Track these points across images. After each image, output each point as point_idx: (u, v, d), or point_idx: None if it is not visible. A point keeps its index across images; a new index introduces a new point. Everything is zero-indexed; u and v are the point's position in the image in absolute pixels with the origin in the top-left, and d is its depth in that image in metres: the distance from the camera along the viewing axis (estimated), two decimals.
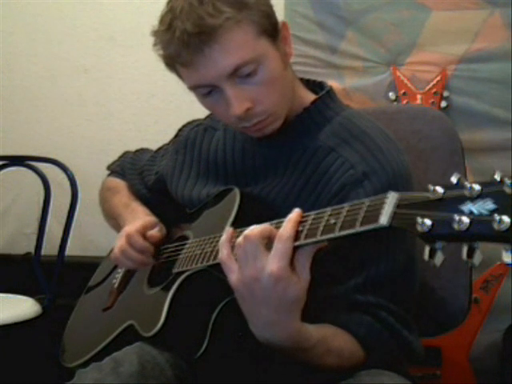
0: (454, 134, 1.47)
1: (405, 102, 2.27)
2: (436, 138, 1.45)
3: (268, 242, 1.03)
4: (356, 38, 2.36)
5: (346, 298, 1.16)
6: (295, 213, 1.03)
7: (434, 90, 2.26)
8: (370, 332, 1.15)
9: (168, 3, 1.20)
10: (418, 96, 2.27)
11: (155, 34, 1.19)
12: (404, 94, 2.28)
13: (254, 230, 1.03)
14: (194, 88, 1.22)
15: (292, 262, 1.02)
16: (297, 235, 1.02)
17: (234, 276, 1.04)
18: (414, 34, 2.30)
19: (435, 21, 2.28)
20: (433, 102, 2.26)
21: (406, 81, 2.29)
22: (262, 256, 1.01)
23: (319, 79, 1.38)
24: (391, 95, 2.30)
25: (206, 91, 1.20)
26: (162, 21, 1.18)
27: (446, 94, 2.26)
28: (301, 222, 1.02)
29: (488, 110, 2.25)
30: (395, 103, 2.27)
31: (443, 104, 2.25)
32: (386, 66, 2.34)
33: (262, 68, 1.17)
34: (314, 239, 0.99)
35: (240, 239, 1.03)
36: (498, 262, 2.15)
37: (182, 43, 1.14)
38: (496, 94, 2.24)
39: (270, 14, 1.20)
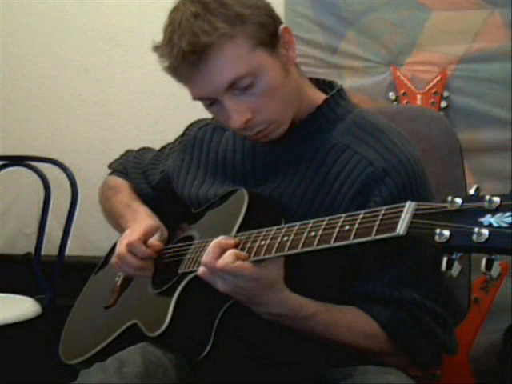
0: (452, 134, 1.47)
1: (405, 102, 2.27)
2: (435, 139, 1.45)
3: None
4: (356, 38, 2.36)
5: (382, 295, 1.18)
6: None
7: (434, 89, 2.26)
8: (401, 328, 1.17)
9: (170, 14, 1.21)
10: (418, 96, 2.27)
11: (157, 49, 1.21)
12: (404, 94, 2.28)
13: (208, 258, 1.10)
14: (196, 99, 1.23)
15: None
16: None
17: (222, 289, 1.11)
18: (414, 34, 2.30)
19: (435, 21, 2.28)
20: (433, 102, 2.25)
21: (405, 81, 2.29)
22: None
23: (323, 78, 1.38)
24: (391, 95, 2.30)
25: (208, 103, 1.22)
26: (164, 33, 1.20)
27: (446, 94, 2.26)
28: (313, 228, 1.04)
29: (488, 110, 2.24)
30: (395, 103, 2.27)
31: (443, 104, 2.25)
32: (386, 66, 2.34)
33: (259, 79, 1.18)
34: (327, 245, 1.00)
35: (204, 271, 1.12)
36: None
37: (179, 60, 1.16)
38: (496, 94, 2.24)
39: (267, 24, 1.20)
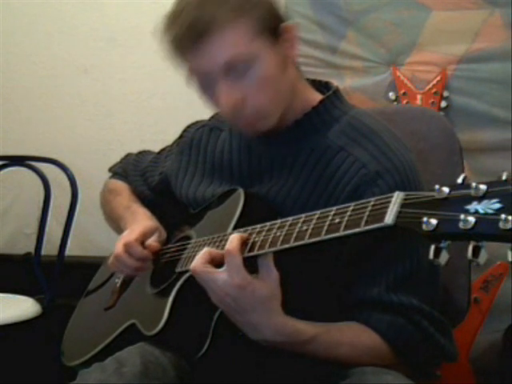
0: (452, 134, 1.47)
1: (405, 102, 2.27)
2: (434, 139, 1.45)
3: (214, 258, 1.10)
4: (356, 38, 2.36)
5: (380, 299, 1.17)
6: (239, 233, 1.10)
7: (434, 89, 2.26)
8: (401, 334, 1.16)
9: None
10: (418, 96, 2.27)
11: (164, 18, 1.22)
12: (404, 94, 2.28)
13: (196, 262, 1.09)
14: (191, 77, 1.24)
15: (256, 266, 1.07)
16: (270, 242, 1.06)
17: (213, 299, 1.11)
18: (414, 34, 2.30)
19: (435, 21, 2.28)
20: (433, 102, 2.26)
21: (406, 81, 2.29)
22: (217, 275, 1.07)
23: (319, 79, 1.38)
24: (391, 95, 2.30)
25: (202, 83, 1.23)
26: (172, 6, 1.21)
27: (445, 94, 2.26)
28: (305, 222, 1.04)
29: (488, 110, 2.25)
30: (395, 103, 2.27)
31: (443, 104, 2.25)
32: (386, 65, 2.34)
33: (255, 67, 1.18)
34: (318, 238, 1.00)
35: (194, 275, 1.11)
36: (498, 262, 2.16)
37: (182, 33, 1.17)
38: (496, 94, 2.24)
39: (272, 16, 1.22)
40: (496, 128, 2.24)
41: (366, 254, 1.17)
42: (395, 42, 2.32)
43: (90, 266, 1.65)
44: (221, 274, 1.07)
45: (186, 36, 1.17)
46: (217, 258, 1.10)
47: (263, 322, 1.08)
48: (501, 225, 0.79)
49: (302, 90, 1.30)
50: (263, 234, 1.08)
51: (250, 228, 1.11)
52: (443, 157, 1.44)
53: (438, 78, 2.27)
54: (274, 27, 1.21)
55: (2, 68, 2.84)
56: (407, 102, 2.26)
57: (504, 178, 0.83)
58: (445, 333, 1.20)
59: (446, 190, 0.87)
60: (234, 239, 1.07)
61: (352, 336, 1.16)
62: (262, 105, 1.21)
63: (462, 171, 1.44)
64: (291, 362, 1.16)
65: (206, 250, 1.11)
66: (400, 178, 1.19)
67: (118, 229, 1.49)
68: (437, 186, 0.87)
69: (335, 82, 1.37)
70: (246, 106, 1.20)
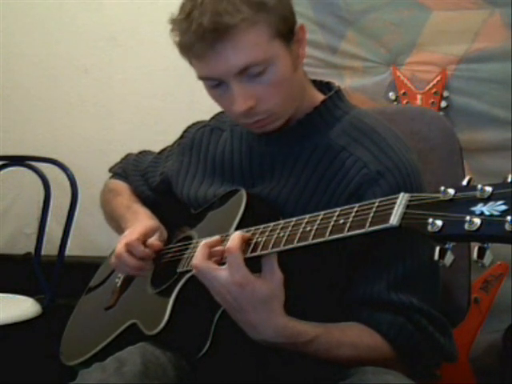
0: (452, 134, 1.47)
1: (405, 102, 2.27)
2: (435, 139, 1.45)
3: (215, 254, 1.10)
4: (356, 38, 2.36)
5: (380, 298, 1.17)
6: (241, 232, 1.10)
7: (434, 89, 2.26)
8: (401, 333, 1.16)
9: None
10: (418, 96, 2.27)
11: (173, 21, 1.21)
12: (404, 94, 2.28)
13: (197, 257, 1.10)
14: (203, 79, 1.23)
15: (260, 267, 1.07)
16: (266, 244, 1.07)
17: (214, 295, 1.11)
18: (414, 34, 2.30)
19: (435, 21, 2.28)
20: (433, 102, 2.26)
21: (406, 81, 2.29)
22: (219, 272, 1.08)
23: (320, 79, 1.38)
24: (391, 95, 2.30)
25: (214, 84, 1.22)
26: (182, 8, 1.20)
27: (445, 94, 2.26)
28: (309, 222, 1.04)
29: (488, 110, 2.25)
30: (395, 103, 2.27)
31: (443, 104, 2.25)
32: (386, 65, 2.34)
33: (271, 69, 1.18)
34: (322, 239, 1.00)
35: (194, 271, 1.11)
36: (498, 262, 2.16)
37: (197, 36, 1.15)
38: (496, 94, 2.24)
39: (287, 17, 1.21)
40: (496, 128, 2.24)
41: (367, 253, 1.17)
42: (395, 42, 2.32)
43: (89, 266, 1.65)
44: (222, 272, 1.07)
45: (201, 42, 1.15)
46: (217, 256, 1.10)
47: (263, 322, 1.08)
48: (507, 226, 0.80)
49: (307, 89, 1.31)
50: (266, 234, 1.08)
51: (253, 228, 1.11)
52: (443, 157, 1.44)
53: (438, 78, 2.27)
54: (288, 28, 1.21)
55: (2, 68, 2.84)
56: (407, 102, 2.26)
57: (509, 179, 0.83)
58: (444, 333, 1.20)
59: (451, 191, 0.87)
60: (235, 237, 1.08)
61: (353, 336, 1.16)
62: (276, 106, 1.22)
63: (462, 171, 1.45)
64: (292, 362, 1.16)
65: (202, 243, 1.12)
66: (401, 177, 1.19)
67: (119, 229, 1.49)
68: (442, 188, 0.88)
69: (335, 82, 1.37)
70: (260, 108, 1.21)
